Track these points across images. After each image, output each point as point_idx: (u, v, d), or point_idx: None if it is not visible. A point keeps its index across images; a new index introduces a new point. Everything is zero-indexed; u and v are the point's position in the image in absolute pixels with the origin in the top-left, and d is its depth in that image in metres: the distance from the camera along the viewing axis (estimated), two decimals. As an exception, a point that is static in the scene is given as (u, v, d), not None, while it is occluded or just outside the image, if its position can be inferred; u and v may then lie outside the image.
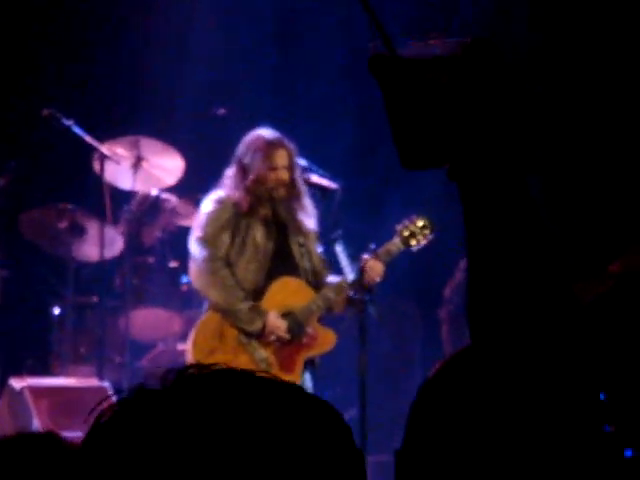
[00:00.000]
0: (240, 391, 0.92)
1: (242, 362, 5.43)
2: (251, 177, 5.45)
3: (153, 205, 6.99)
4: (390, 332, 7.10)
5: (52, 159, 7.25)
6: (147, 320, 6.97)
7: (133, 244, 6.98)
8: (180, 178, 6.85)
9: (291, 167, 5.52)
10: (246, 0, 7.95)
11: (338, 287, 5.52)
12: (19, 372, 6.54)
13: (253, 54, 7.90)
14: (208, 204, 5.56)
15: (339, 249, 5.57)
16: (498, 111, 1.21)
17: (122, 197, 6.94)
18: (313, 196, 5.82)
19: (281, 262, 5.54)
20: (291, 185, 5.51)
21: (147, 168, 6.78)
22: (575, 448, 1.18)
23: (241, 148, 5.57)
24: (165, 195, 6.91)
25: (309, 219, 5.64)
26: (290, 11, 7.88)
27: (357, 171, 7.05)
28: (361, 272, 5.61)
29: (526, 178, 1.21)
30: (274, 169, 5.45)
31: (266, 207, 5.52)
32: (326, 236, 5.72)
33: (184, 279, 6.83)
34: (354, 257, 5.68)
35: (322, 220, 5.73)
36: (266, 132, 5.57)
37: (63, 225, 6.83)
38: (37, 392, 6.14)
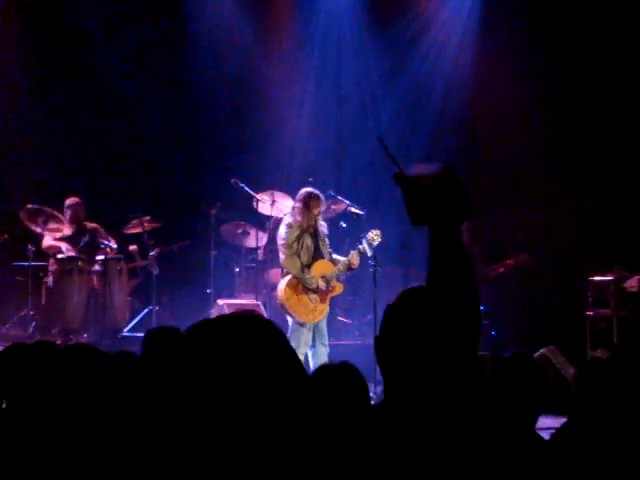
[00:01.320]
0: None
1: (305, 299, 7.66)
2: (306, 211, 7.58)
3: (280, 222, 8.41)
4: (386, 280, 9.00)
5: (235, 201, 9.84)
6: (275, 274, 9.05)
7: (271, 239, 9.17)
8: (292, 210, 8.99)
9: (321, 207, 7.62)
10: (321, 115, 10.78)
11: (345, 263, 7.73)
12: (221, 297, 9.29)
13: (325, 151, 11.05)
14: (285, 225, 7.65)
15: (364, 242, 7.75)
16: (450, 203, 1.79)
17: (267, 218, 9.57)
18: (351, 217, 8.65)
19: (317, 252, 7.73)
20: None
21: (277, 205, 9.31)
22: (468, 332, 1.79)
23: (300, 196, 7.63)
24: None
25: (325, 230, 7.79)
26: (348, 127, 10.68)
27: (370, 206, 9.11)
28: (349, 260, 7.71)
29: (459, 232, 1.80)
30: (316, 207, 7.60)
31: (311, 226, 7.64)
32: (357, 237, 7.91)
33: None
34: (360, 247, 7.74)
35: (356, 231, 8.21)
36: (312, 190, 7.67)
37: (239, 231, 9.84)
38: (229, 306, 8.86)
